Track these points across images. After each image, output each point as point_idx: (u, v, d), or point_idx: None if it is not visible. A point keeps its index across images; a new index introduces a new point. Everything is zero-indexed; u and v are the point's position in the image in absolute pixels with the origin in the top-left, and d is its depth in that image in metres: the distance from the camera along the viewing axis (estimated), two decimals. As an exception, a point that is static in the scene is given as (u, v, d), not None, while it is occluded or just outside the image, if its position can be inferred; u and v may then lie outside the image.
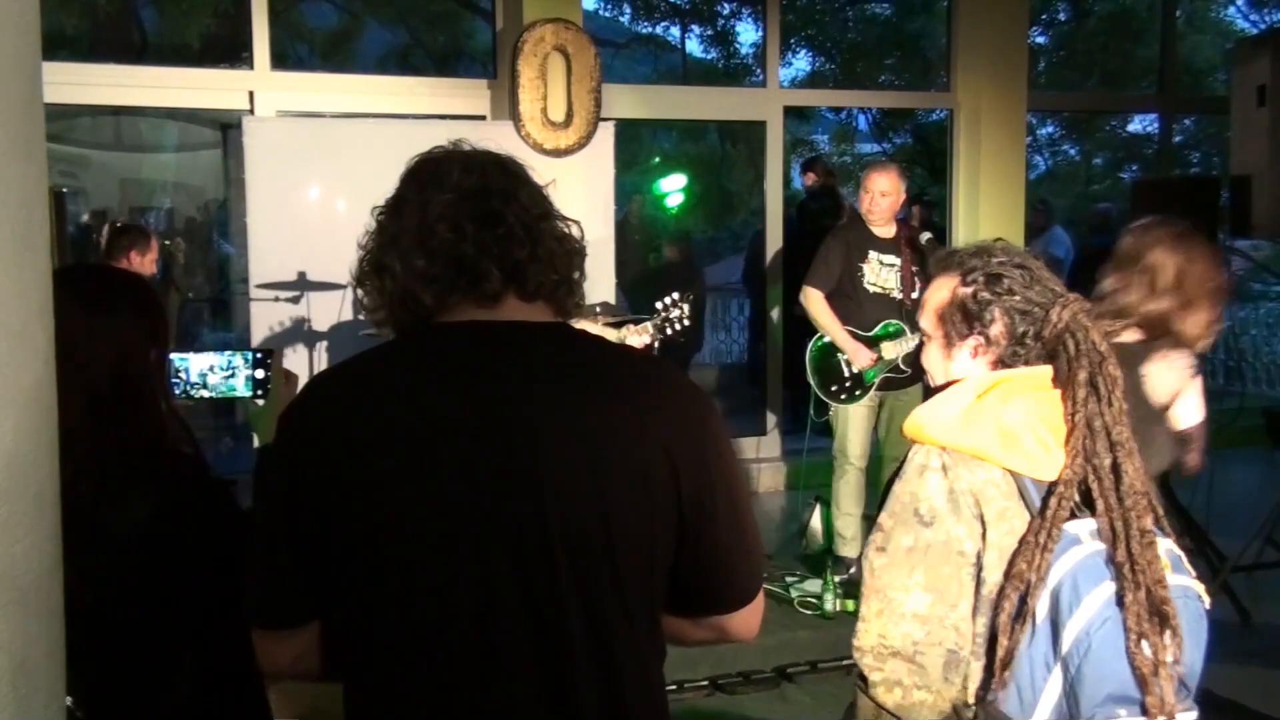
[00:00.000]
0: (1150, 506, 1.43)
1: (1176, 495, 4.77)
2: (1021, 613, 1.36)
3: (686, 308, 4.12)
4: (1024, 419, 1.44)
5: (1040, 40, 13.15)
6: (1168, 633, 1.36)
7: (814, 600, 4.26)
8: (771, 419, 6.62)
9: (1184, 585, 1.41)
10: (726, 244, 13.79)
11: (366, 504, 1.18)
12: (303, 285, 4.99)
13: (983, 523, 1.42)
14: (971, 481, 1.43)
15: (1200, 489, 4.66)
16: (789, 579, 4.51)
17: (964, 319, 1.54)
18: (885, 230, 4.65)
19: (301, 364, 4.98)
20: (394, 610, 1.20)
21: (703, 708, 3.61)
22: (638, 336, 4.03)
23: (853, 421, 4.61)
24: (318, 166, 5.21)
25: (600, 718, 1.22)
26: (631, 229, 8.30)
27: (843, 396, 4.65)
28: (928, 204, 7.69)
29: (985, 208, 6.72)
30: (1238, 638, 4.16)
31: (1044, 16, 12.90)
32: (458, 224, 1.24)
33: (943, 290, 1.58)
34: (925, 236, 4.60)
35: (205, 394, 1.83)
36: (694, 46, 14.27)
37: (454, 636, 1.19)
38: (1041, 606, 1.36)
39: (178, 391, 1.77)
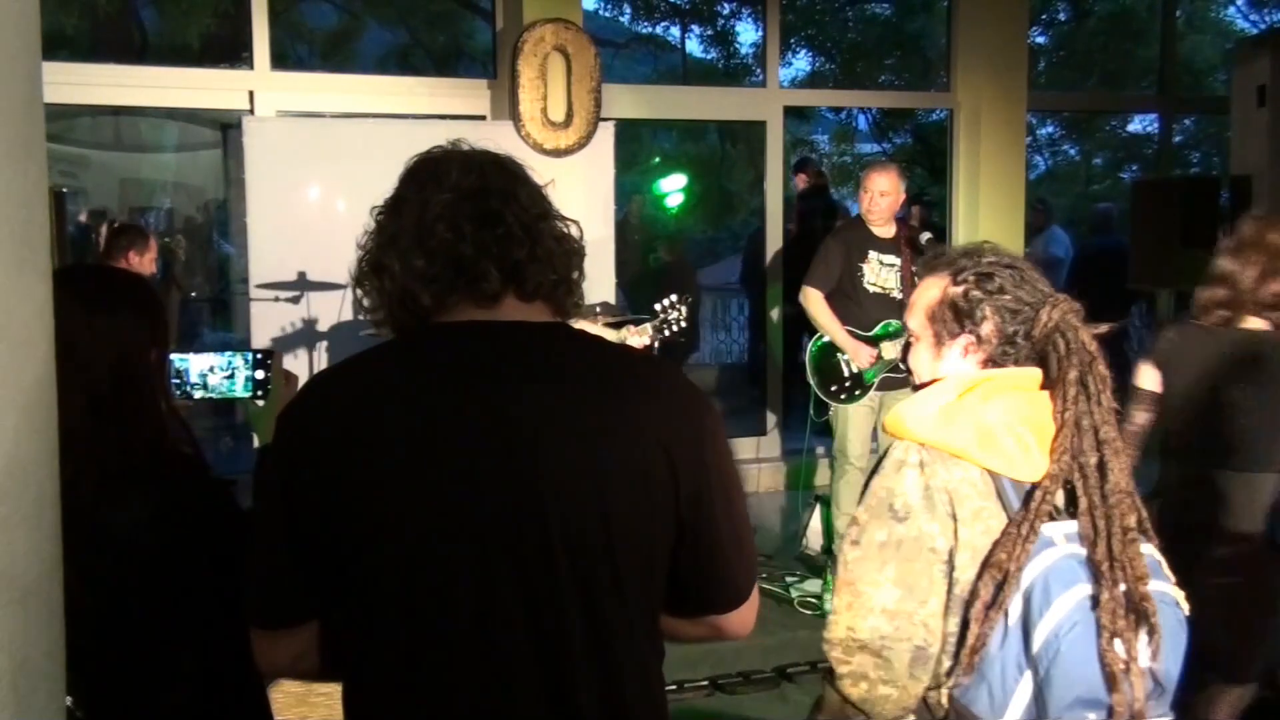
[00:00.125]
0: (1134, 506, 1.43)
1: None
2: (996, 601, 1.36)
3: (685, 309, 4.13)
4: (1004, 419, 1.44)
5: (1040, 40, 13.15)
6: (1144, 632, 1.36)
7: (814, 600, 4.26)
8: (771, 419, 6.62)
9: (1162, 591, 1.41)
10: (726, 244, 13.79)
11: (365, 504, 1.18)
12: (303, 285, 4.99)
13: (956, 521, 1.42)
14: (948, 479, 1.43)
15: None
16: (789, 579, 4.51)
17: (955, 318, 1.54)
18: (885, 230, 4.65)
19: (301, 364, 4.98)
20: (393, 610, 1.20)
21: (703, 708, 3.61)
22: (637, 337, 4.04)
23: (853, 421, 4.62)
24: (318, 166, 5.21)
25: (600, 718, 1.22)
26: (631, 229, 8.30)
27: (842, 396, 4.65)
28: (928, 204, 7.70)
29: (985, 208, 6.72)
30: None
31: (1044, 16, 12.89)
32: (456, 224, 1.24)
33: (933, 289, 1.58)
34: (925, 236, 4.60)
35: (205, 394, 1.83)
36: (694, 46, 14.28)
37: (453, 636, 1.19)
38: (1014, 608, 1.36)
39: (178, 392, 1.78)
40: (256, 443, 1.76)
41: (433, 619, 1.19)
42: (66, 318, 1.11)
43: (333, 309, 5.02)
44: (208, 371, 1.83)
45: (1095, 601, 1.35)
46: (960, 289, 1.54)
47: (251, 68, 5.55)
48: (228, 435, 6.88)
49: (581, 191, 5.55)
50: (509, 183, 1.29)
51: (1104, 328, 1.41)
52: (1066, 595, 1.34)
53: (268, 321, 5.06)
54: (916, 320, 1.61)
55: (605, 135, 5.71)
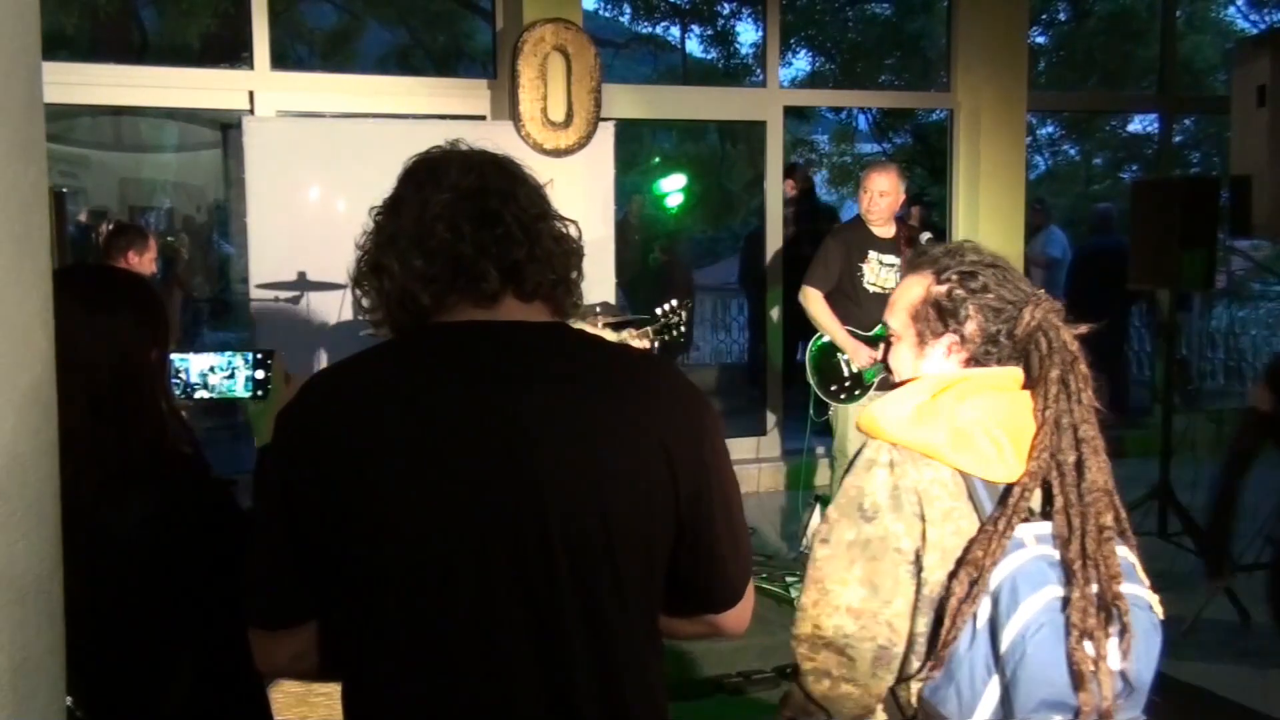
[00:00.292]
0: (1112, 505, 1.43)
1: (1176, 495, 4.78)
2: (971, 595, 1.35)
3: (685, 314, 4.14)
4: (979, 419, 1.43)
5: (1040, 40, 13.16)
6: (1115, 631, 1.35)
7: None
8: (771, 419, 6.62)
9: (1136, 594, 1.41)
10: (727, 244, 13.80)
11: (364, 504, 1.18)
12: (303, 285, 4.99)
13: (924, 522, 1.41)
14: (917, 479, 1.42)
15: (1200, 489, 4.67)
16: (789, 579, 4.50)
17: (939, 317, 1.54)
18: (885, 230, 4.65)
19: (302, 364, 4.98)
20: (392, 610, 1.20)
21: (703, 708, 3.61)
22: (637, 341, 4.04)
23: (852, 421, 4.61)
24: (318, 166, 5.21)
25: (599, 716, 1.22)
26: (631, 229, 8.30)
27: (842, 396, 4.65)
28: (927, 204, 7.70)
29: (985, 208, 6.72)
30: (1238, 638, 4.17)
31: (1044, 16, 12.90)
32: (455, 224, 1.24)
33: (916, 288, 1.57)
34: (925, 236, 4.60)
35: (205, 394, 1.83)
36: (694, 46, 14.29)
37: (453, 636, 1.19)
38: (982, 610, 1.35)
39: (178, 392, 1.77)
40: (256, 443, 1.76)
41: (432, 619, 1.19)
42: (66, 318, 1.11)
43: (333, 309, 5.02)
44: (208, 371, 1.83)
45: (1065, 602, 1.34)
46: (944, 288, 1.54)
47: (251, 68, 5.55)
48: (228, 435, 6.88)
49: (581, 191, 5.56)
50: (508, 183, 1.29)
51: (1084, 328, 1.40)
52: (1034, 597, 1.34)
53: (268, 321, 5.05)
54: (898, 319, 1.60)
55: (605, 135, 5.71)
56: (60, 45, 7.54)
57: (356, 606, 1.21)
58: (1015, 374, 1.50)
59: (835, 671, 1.43)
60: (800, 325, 4.89)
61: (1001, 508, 1.39)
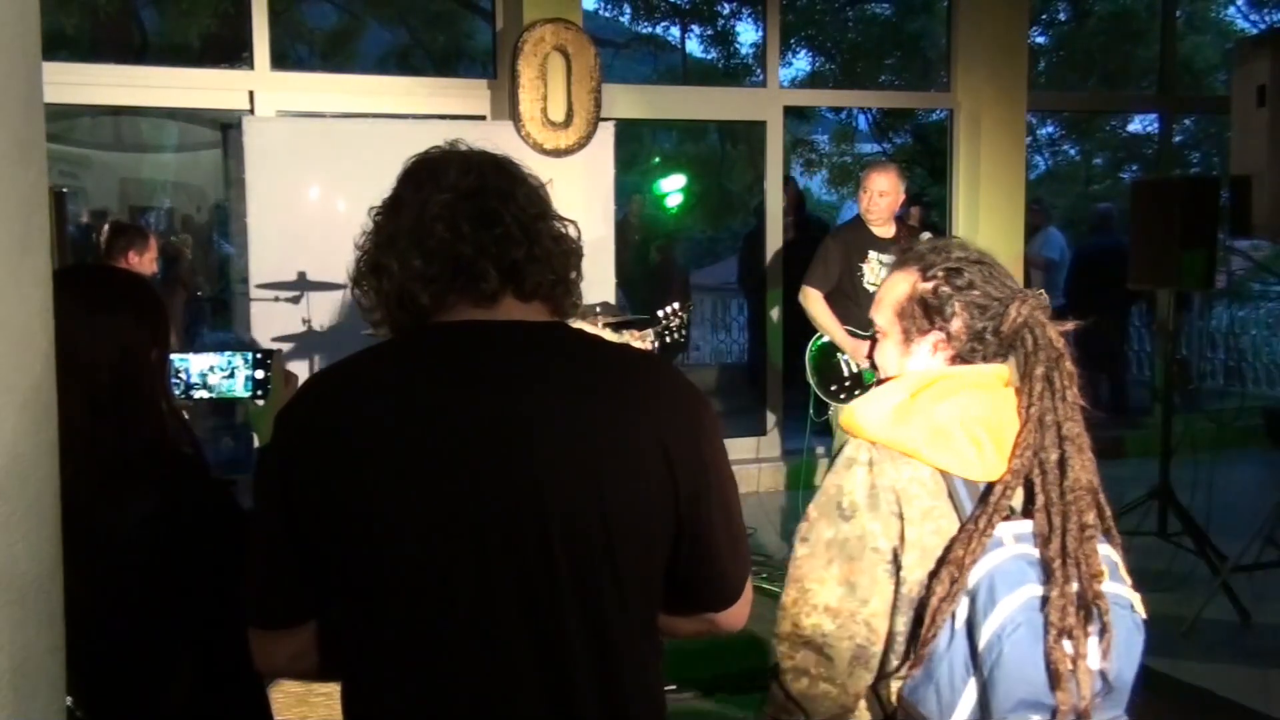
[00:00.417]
0: (1095, 504, 1.42)
1: (1176, 495, 4.78)
2: (951, 595, 1.35)
3: (686, 316, 4.14)
4: (958, 418, 1.42)
5: (1040, 40, 13.15)
6: (1095, 630, 1.34)
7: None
8: (771, 419, 6.62)
9: (1116, 593, 1.40)
10: (727, 244, 13.80)
11: (363, 503, 1.18)
12: (303, 285, 4.99)
13: (902, 521, 1.41)
14: (895, 478, 1.42)
15: (1200, 489, 4.67)
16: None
17: (924, 314, 1.53)
18: (884, 230, 4.66)
19: (301, 364, 4.98)
20: (392, 609, 1.20)
21: (703, 708, 3.60)
22: (638, 343, 4.05)
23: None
24: (318, 166, 5.21)
25: (599, 716, 1.22)
26: (631, 229, 8.31)
27: (842, 396, 4.65)
28: (927, 204, 7.70)
29: (985, 208, 6.72)
30: (1238, 638, 4.17)
31: (1044, 16, 12.89)
32: (455, 224, 1.24)
33: (902, 285, 1.56)
34: (925, 236, 4.60)
35: (205, 394, 1.83)
36: (694, 46, 14.28)
37: (452, 635, 1.19)
38: (960, 610, 1.35)
39: (177, 392, 1.78)
40: (256, 443, 1.76)
41: (432, 618, 1.19)
42: (66, 318, 1.11)
43: (333, 309, 5.02)
44: (208, 371, 1.83)
45: (1044, 601, 1.33)
46: (930, 285, 1.53)
47: (251, 68, 5.55)
48: (228, 435, 6.88)
49: (581, 191, 5.56)
50: (507, 183, 1.29)
51: (1071, 324, 1.39)
52: (1012, 596, 1.33)
53: (268, 321, 5.05)
54: (884, 316, 1.59)
55: (605, 135, 5.71)
56: (60, 45, 7.54)
57: (356, 606, 1.22)
58: (1000, 371, 1.49)
59: (813, 670, 1.43)
60: (803, 325, 4.89)
61: (982, 506, 1.38)
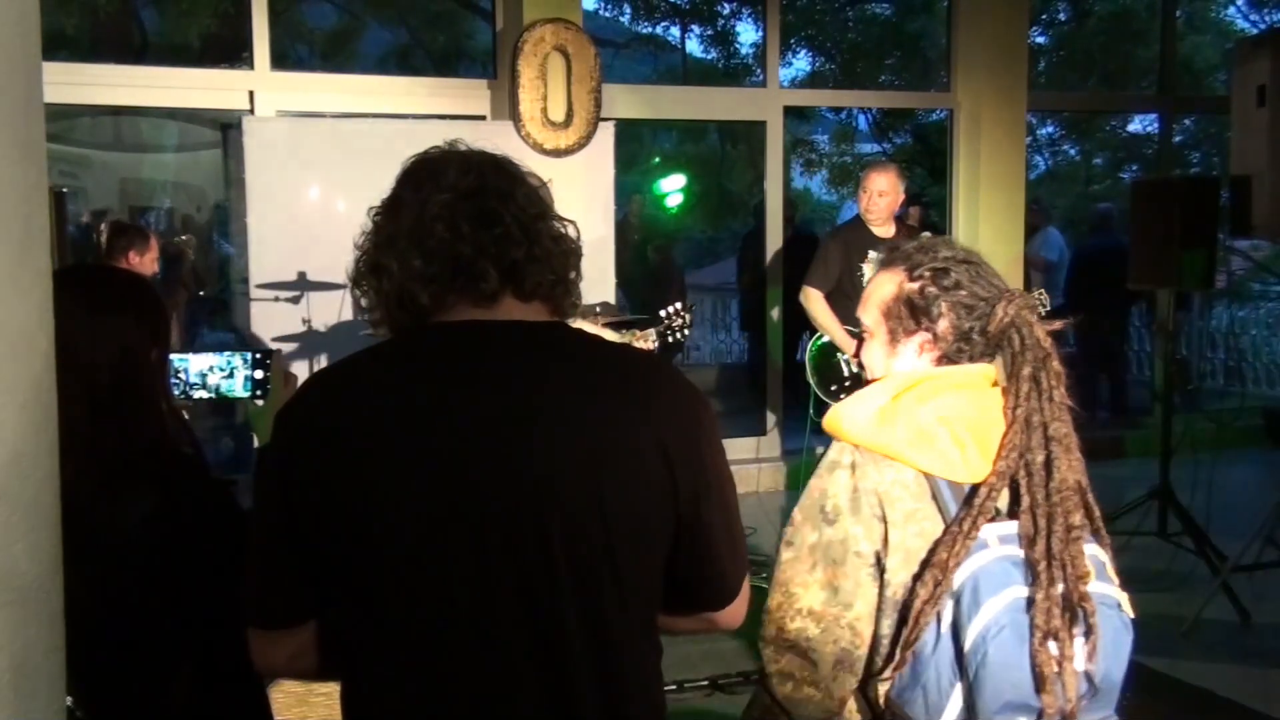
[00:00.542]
0: (1083, 503, 1.41)
1: (1176, 495, 4.78)
2: (934, 597, 1.34)
3: (688, 316, 4.14)
4: (943, 419, 1.42)
5: (1040, 40, 13.16)
6: (1080, 632, 1.34)
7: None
8: (771, 419, 6.62)
9: (1104, 593, 1.39)
10: (726, 244, 13.81)
11: (362, 503, 1.18)
12: (303, 285, 4.99)
13: (886, 524, 1.40)
14: (878, 481, 1.41)
15: (1200, 489, 4.67)
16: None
17: (911, 314, 1.52)
18: (884, 230, 4.66)
19: (301, 364, 4.98)
20: (391, 609, 1.20)
21: (703, 708, 3.61)
22: (640, 343, 4.05)
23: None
24: (318, 166, 5.21)
25: (598, 715, 1.22)
26: (631, 229, 8.31)
27: (842, 396, 4.64)
28: (926, 204, 7.70)
29: (985, 208, 6.72)
30: (1238, 638, 4.17)
31: (1044, 16, 12.90)
32: (454, 224, 1.24)
33: (888, 285, 1.55)
34: (926, 236, 4.60)
35: (204, 394, 1.83)
36: (694, 46, 14.30)
37: (452, 635, 1.19)
38: (945, 613, 1.34)
39: (177, 392, 1.78)
40: (256, 443, 1.76)
41: (431, 618, 1.19)
42: (67, 318, 1.11)
43: (333, 309, 5.02)
44: (207, 371, 1.83)
45: (1029, 603, 1.32)
46: (916, 285, 1.52)
47: (251, 68, 5.56)
48: (228, 435, 6.88)
49: (581, 191, 5.56)
50: (507, 183, 1.29)
51: (1059, 323, 1.38)
52: (996, 598, 1.32)
53: (268, 321, 5.06)
54: (870, 316, 1.58)
55: (605, 135, 5.71)
56: (60, 45, 7.54)
57: (355, 606, 1.22)
58: (987, 370, 1.48)
59: (798, 674, 1.42)
60: (804, 324, 4.89)
61: (966, 508, 1.37)
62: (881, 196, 4.61)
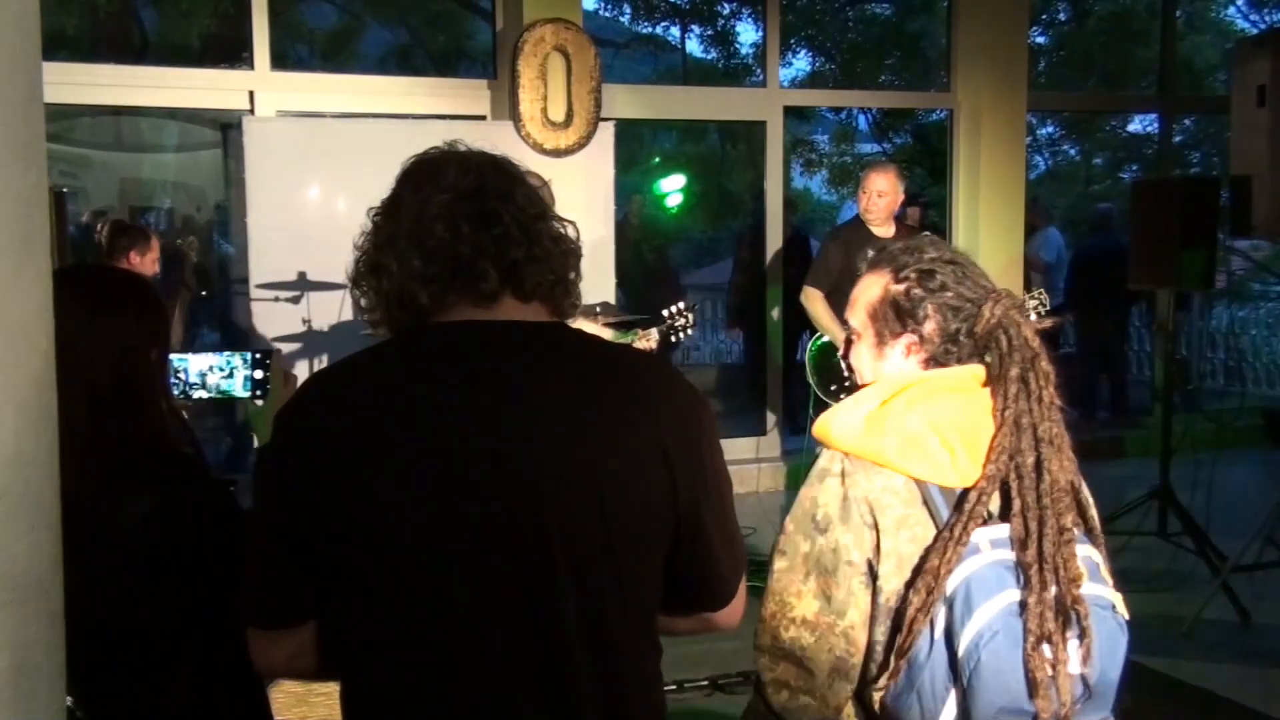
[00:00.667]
0: (1075, 503, 1.40)
1: (1176, 495, 4.78)
2: (927, 604, 1.33)
3: (691, 316, 4.15)
4: (932, 423, 1.41)
5: (1040, 40, 13.16)
6: (1074, 635, 1.33)
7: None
8: (771, 419, 6.62)
9: (1097, 595, 1.38)
10: (726, 244, 13.78)
11: (362, 503, 1.18)
12: (303, 285, 4.99)
13: (877, 531, 1.39)
14: (868, 489, 1.40)
15: (1200, 489, 4.67)
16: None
17: (897, 316, 1.51)
18: (884, 230, 4.66)
19: (301, 364, 4.98)
20: (391, 609, 1.20)
21: (703, 708, 3.61)
22: (644, 342, 4.06)
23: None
24: (318, 166, 5.21)
25: (598, 715, 1.22)
26: (631, 229, 8.30)
27: (842, 396, 4.65)
28: (924, 205, 7.68)
29: (985, 208, 6.72)
30: (1238, 638, 4.17)
31: (1044, 16, 12.90)
32: (454, 224, 1.24)
33: (874, 287, 1.55)
34: (926, 236, 4.60)
35: (204, 394, 1.83)
36: (694, 46, 14.28)
37: (451, 635, 1.19)
38: (939, 619, 1.33)
39: (176, 392, 1.78)
40: (256, 443, 1.76)
41: (431, 618, 1.19)
42: (67, 318, 1.11)
43: (333, 309, 5.02)
44: (207, 371, 1.83)
45: (1023, 607, 1.32)
46: (902, 287, 1.51)
47: (251, 68, 5.56)
48: (228, 435, 6.88)
49: (581, 191, 5.56)
50: (506, 183, 1.29)
51: (1048, 322, 1.37)
52: (989, 604, 1.32)
53: (268, 321, 5.06)
54: (857, 318, 1.58)
55: (605, 135, 5.72)
56: (60, 45, 7.54)
57: (355, 606, 1.22)
58: (976, 372, 1.47)
59: (794, 683, 1.42)
60: (800, 325, 4.89)
61: (957, 514, 1.36)
62: (881, 197, 4.62)
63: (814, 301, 4.68)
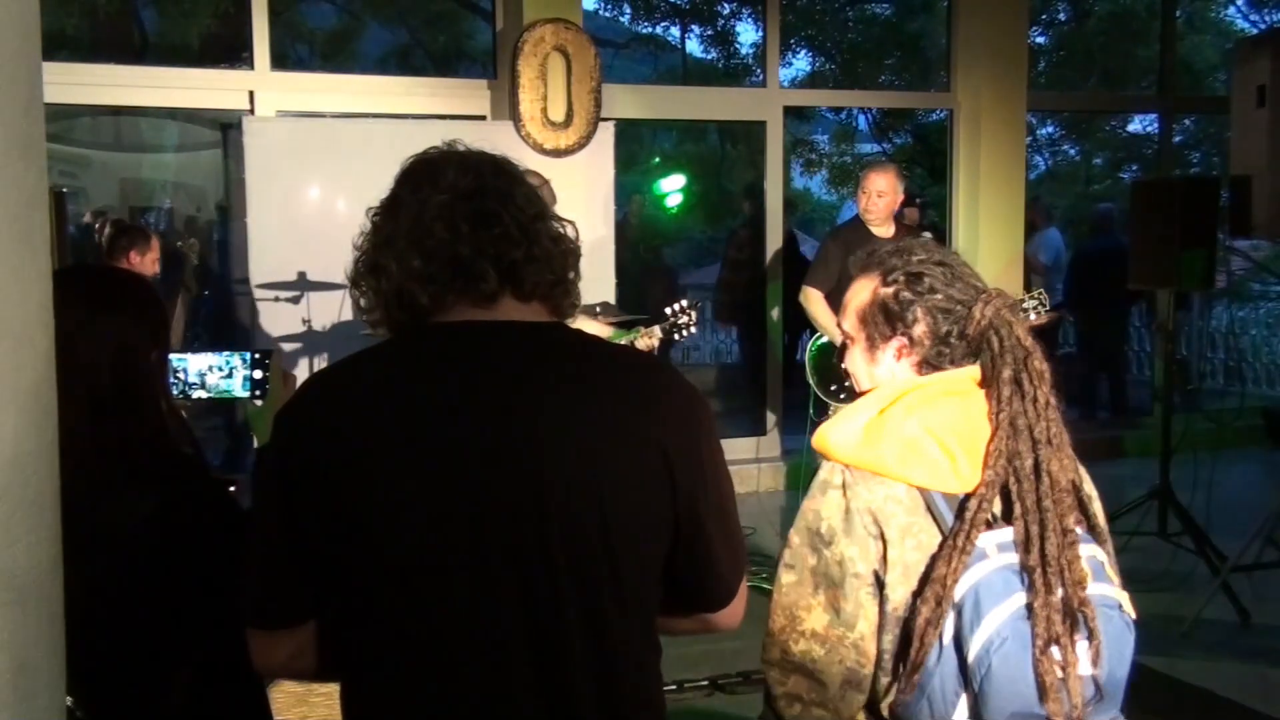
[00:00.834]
0: (1076, 505, 1.40)
1: (1176, 495, 4.78)
2: (937, 615, 1.33)
3: (694, 314, 4.15)
4: (930, 429, 1.40)
5: (1040, 40, 13.16)
6: (1082, 637, 1.32)
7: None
8: (771, 419, 6.62)
9: (1103, 595, 1.38)
10: (726, 244, 13.76)
11: (362, 504, 1.18)
12: (303, 285, 4.99)
13: (884, 541, 1.38)
14: (870, 499, 1.39)
15: (1200, 489, 4.67)
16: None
17: (886, 320, 1.51)
18: (884, 230, 4.67)
19: (301, 364, 4.98)
20: (390, 609, 1.20)
21: (703, 708, 3.61)
22: (646, 340, 4.06)
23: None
24: (318, 166, 5.21)
25: (597, 715, 1.22)
26: (631, 229, 8.31)
27: (842, 396, 4.65)
28: (921, 205, 7.67)
29: (985, 208, 6.72)
30: (1238, 638, 4.17)
31: (1044, 16, 12.90)
32: (453, 224, 1.24)
33: (864, 291, 1.55)
34: (925, 236, 4.61)
35: (203, 394, 1.83)
36: (694, 46, 14.28)
37: (451, 636, 1.19)
38: (947, 625, 1.33)
39: (176, 391, 1.78)
40: (256, 443, 1.76)
41: (430, 619, 1.19)
42: (67, 318, 1.12)
43: (333, 309, 5.02)
44: (206, 371, 1.83)
45: (1029, 610, 1.31)
46: (890, 290, 1.51)
47: (251, 68, 5.56)
48: (227, 435, 6.88)
49: (581, 191, 5.55)
50: (506, 183, 1.29)
51: (1043, 319, 1.36)
52: (998, 609, 1.31)
53: (268, 321, 5.06)
54: (849, 322, 1.57)
55: (605, 135, 5.72)
56: (60, 45, 7.53)
57: (355, 606, 1.22)
58: (973, 373, 1.47)
59: (806, 696, 1.42)
60: (800, 324, 4.89)
61: (960, 521, 1.36)
62: (880, 197, 4.62)
63: (813, 301, 4.69)
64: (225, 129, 8.58)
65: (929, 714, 1.34)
